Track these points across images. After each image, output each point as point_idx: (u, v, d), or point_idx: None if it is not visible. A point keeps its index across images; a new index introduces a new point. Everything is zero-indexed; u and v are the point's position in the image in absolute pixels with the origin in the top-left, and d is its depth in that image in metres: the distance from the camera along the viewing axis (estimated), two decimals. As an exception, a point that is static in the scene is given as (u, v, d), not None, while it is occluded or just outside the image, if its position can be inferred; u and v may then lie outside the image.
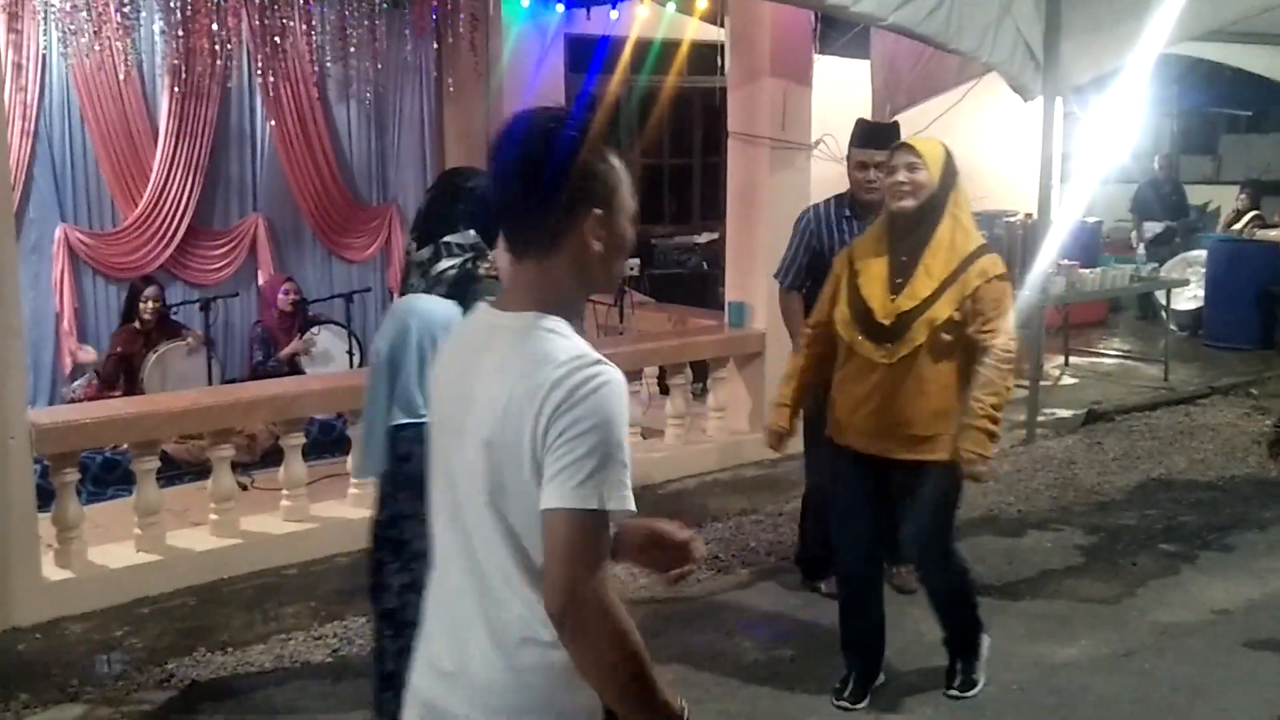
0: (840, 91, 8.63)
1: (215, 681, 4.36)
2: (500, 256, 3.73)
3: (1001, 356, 3.78)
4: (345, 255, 8.79)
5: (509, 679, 1.83)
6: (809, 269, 4.90)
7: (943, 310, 3.77)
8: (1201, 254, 10.85)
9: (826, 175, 7.36)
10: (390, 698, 3.11)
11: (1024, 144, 9.04)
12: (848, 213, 4.85)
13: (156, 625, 4.82)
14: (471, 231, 3.63)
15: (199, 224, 8.09)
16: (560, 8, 9.20)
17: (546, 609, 1.75)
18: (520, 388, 1.76)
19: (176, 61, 7.54)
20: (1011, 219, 10.22)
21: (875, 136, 4.75)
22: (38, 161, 7.45)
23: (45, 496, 5.03)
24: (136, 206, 7.77)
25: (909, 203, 3.82)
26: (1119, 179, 11.95)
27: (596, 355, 1.79)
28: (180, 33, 7.39)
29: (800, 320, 4.65)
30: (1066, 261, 8.50)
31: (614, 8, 8.96)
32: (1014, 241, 9.88)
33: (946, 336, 3.79)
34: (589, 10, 8.96)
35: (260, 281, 8.27)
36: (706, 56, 9.20)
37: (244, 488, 6.01)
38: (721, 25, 7.87)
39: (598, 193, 1.85)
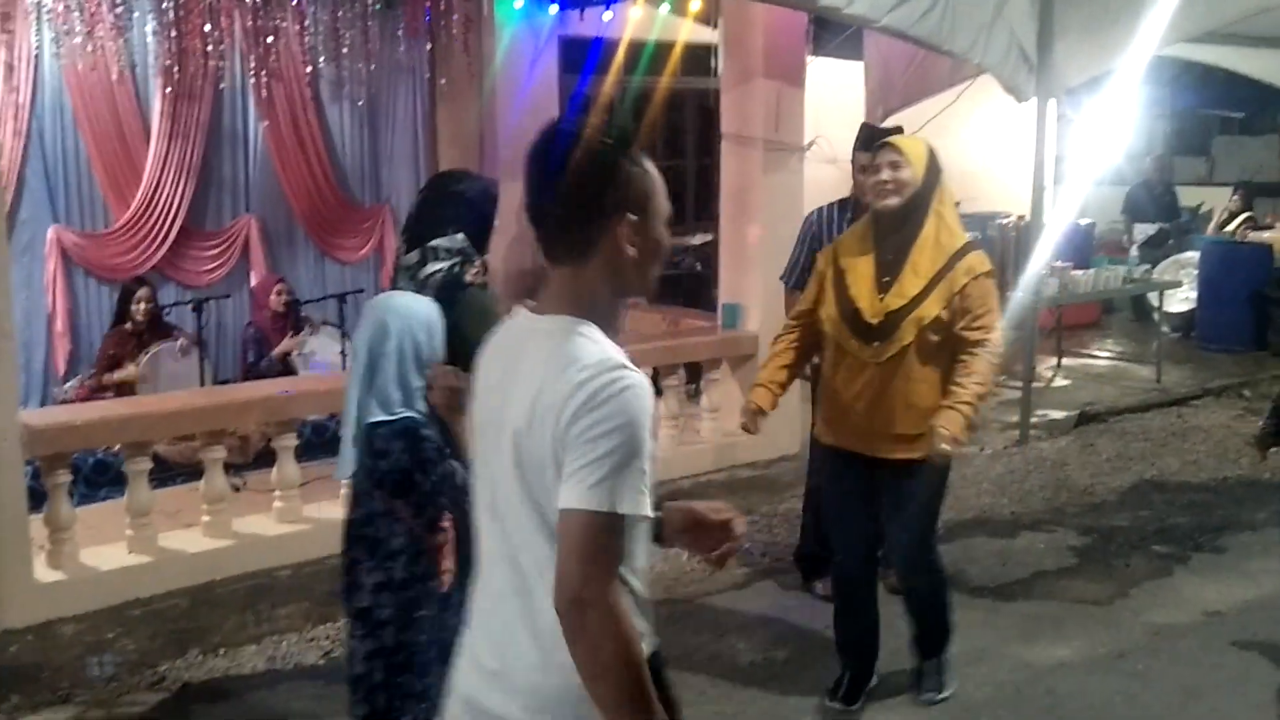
0: (834, 93, 8.65)
1: (207, 683, 4.35)
2: (491, 260, 3.73)
3: (990, 351, 3.79)
4: (338, 256, 8.79)
5: (548, 677, 1.85)
6: (813, 271, 4.91)
7: (931, 308, 3.77)
8: (1194, 256, 10.86)
9: (820, 176, 7.38)
10: (358, 701, 3.08)
11: (1017, 145, 9.06)
12: (850, 215, 4.86)
13: (148, 627, 4.81)
14: (460, 235, 3.61)
15: (191, 225, 8.08)
16: (553, 9, 9.17)
17: (555, 605, 1.76)
18: (547, 389, 1.79)
19: (169, 62, 7.52)
20: (1004, 220, 10.24)
21: (879, 140, 4.75)
22: (30, 162, 7.44)
23: (37, 498, 5.01)
24: (129, 207, 7.76)
25: (893, 201, 3.82)
26: (1112, 181, 11.97)
27: (623, 360, 1.81)
28: (173, 33, 7.36)
29: None
30: (1059, 263, 8.51)
31: (607, 9, 8.95)
32: (1007, 243, 9.90)
33: (934, 336, 3.79)
34: (582, 11, 8.94)
35: (252, 282, 8.26)
36: (700, 58, 9.22)
37: (236, 489, 5.98)
38: (715, 27, 7.86)
39: (632, 198, 1.88)
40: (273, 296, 7.61)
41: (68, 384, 7.34)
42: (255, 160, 8.36)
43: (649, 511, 1.80)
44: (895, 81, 7.83)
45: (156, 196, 7.82)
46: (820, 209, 5.10)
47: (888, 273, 3.83)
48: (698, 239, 10.14)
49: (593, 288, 1.89)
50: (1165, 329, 10.25)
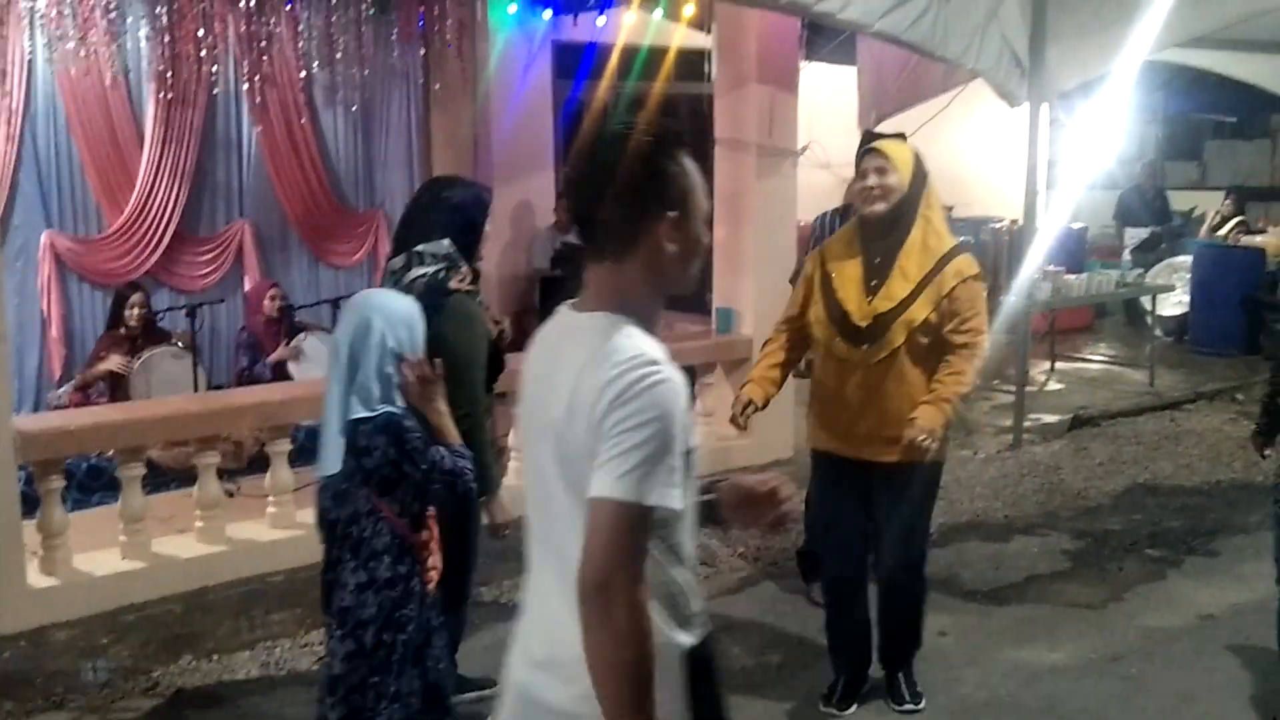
0: (827, 98, 8.67)
1: (201, 689, 4.34)
2: (484, 267, 3.73)
3: (976, 353, 3.81)
4: (332, 261, 8.78)
5: None
6: (800, 275, 4.94)
7: (920, 311, 3.78)
8: (1187, 259, 10.89)
9: (813, 181, 7.39)
10: (332, 704, 3.04)
11: (1010, 150, 9.07)
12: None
13: (142, 633, 4.80)
14: (445, 241, 3.61)
15: (185, 230, 8.06)
16: (547, 14, 9.20)
17: (577, 591, 1.78)
18: (584, 383, 1.82)
19: (162, 67, 7.52)
20: (997, 225, 10.27)
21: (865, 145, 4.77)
22: (23, 167, 7.42)
23: (30, 503, 5.00)
24: (122, 212, 7.74)
25: (880, 207, 3.82)
26: (1104, 185, 12.00)
27: (658, 355, 1.83)
28: (166, 38, 7.37)
29: None
30: (1052, 267, 8.53)
31: (601, 14, 8.96)
32: (1000, 247, 9.93)
33: (924, 338, 3.80)
34: (575, 16, 8.96)
35: (246, 287, 8.25)
36: (693, 63, 9.22)
37: (230, 494, 5.98)
38: (708, 32, 7.88)
39: (672, 196, 1.91)
40: (266, 302, 7.60)
41: (61, 389, 7.32)
42: (249, 165, 8.35)
43: (678, 504, 1.81)
44: (888, 87, 7.85)
45: (150, 202, 7.81)
46: (824, 214, 5.17)
47: (875, 276, 3.84)
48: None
49: (632, 284, 1.92)
50: (1158, 333, 10.28)
